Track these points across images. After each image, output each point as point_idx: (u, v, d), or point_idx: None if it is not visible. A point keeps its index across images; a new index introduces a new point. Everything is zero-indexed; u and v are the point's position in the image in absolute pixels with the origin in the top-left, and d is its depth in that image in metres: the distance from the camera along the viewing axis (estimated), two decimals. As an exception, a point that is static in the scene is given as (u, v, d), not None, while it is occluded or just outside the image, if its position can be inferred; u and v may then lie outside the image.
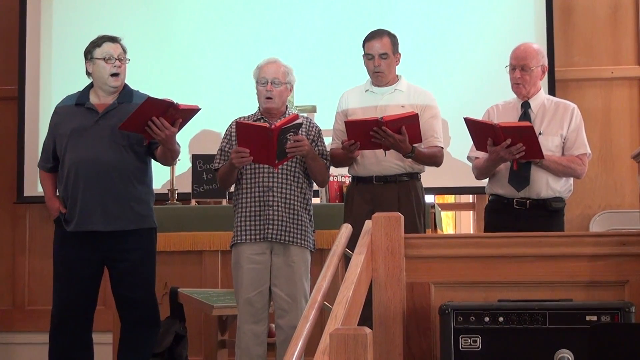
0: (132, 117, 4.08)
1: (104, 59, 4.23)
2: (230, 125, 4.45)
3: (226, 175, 4.33)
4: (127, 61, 4.30)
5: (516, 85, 4.44)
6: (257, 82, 4.39)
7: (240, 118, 4.43)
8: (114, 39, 4.29)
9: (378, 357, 3.31)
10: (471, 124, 4.28)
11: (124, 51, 4.30)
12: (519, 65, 4.40)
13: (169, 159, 4.39)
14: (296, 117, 4.22)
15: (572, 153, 4.40)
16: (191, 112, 4.20)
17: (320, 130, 4.47)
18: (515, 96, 4.51)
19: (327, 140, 4.71)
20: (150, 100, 4.10)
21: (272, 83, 4.33)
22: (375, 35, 4.51)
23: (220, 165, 4.39)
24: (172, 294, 4.89)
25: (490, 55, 5.86)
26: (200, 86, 6.12)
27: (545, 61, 4.50)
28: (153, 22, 6.23)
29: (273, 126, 4.04)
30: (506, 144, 4.13)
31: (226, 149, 4.39)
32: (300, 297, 4.23)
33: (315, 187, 4.54)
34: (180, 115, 4.13)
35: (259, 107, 4.44)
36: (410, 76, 4.68)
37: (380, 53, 4.48)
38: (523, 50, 4.43)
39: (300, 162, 4.34)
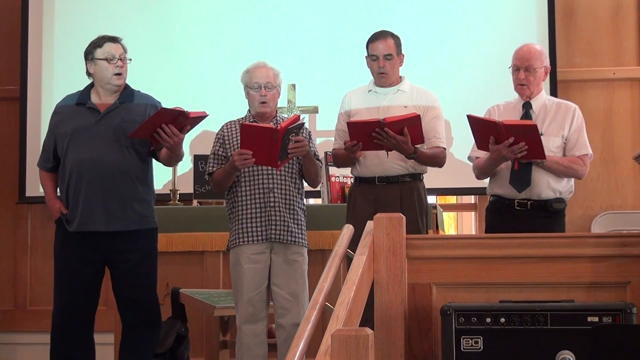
0: (143, 126, 4.10)
1: (106, 59, 4.23)
2: (221, 129, 4.45)
3: (224, 178, 4.32)
4: (129, 61, 4.30)
5: (520, 86, 4.42)
6: (248, 87, 4.38)
7: (230, 122, 4.44)
8: (114, 39, 4.29)
9: (379, 358, 3.31)
10: (474, 121, 4.27)
11: (125, 51, 4.30)
12: (523, 66, 4.39)
13: (173, 162, 4.42)
14: (298, 117, 4.22)
15: (573, 154, 4.38)
16: (199, 118, 4.23)
17: (310, 132, 4.49)
18: (516, 96, 4.50)
19: (331, 140, 4.73)
20: (162, 111, 4.13)
21: (265, 87, 4.33)
22: (380, 36, 4.51)
23: (215, 169, 4.38)
24: (173, 295, 4.89)
25: (492, 56, 5.86)
26: (202, 87, 6.13)
27: (547, 62, 4.49)
28: (155, 22, 6.24)
29: (279, 127, 4.04)
30: (509, 142, 4.11)
31: (219, 153, 4.39)
32: (302, 295, 4.23)
33: (311, 187, 4.56)
34: (189, 122, 4.15)
35: (248, 110, 4.44)
36: (413, 77, 4.68)
37: (385, 54, 4.48)
38: (527, 51, 4.41)
39: (297, 162, 4.35)
